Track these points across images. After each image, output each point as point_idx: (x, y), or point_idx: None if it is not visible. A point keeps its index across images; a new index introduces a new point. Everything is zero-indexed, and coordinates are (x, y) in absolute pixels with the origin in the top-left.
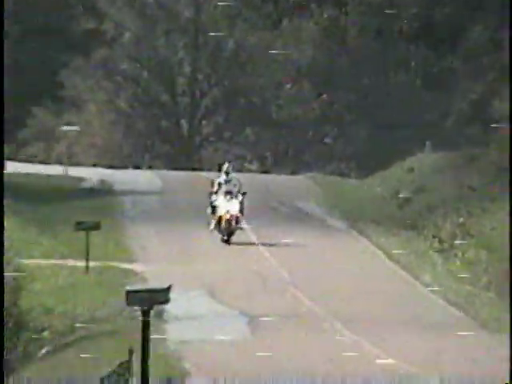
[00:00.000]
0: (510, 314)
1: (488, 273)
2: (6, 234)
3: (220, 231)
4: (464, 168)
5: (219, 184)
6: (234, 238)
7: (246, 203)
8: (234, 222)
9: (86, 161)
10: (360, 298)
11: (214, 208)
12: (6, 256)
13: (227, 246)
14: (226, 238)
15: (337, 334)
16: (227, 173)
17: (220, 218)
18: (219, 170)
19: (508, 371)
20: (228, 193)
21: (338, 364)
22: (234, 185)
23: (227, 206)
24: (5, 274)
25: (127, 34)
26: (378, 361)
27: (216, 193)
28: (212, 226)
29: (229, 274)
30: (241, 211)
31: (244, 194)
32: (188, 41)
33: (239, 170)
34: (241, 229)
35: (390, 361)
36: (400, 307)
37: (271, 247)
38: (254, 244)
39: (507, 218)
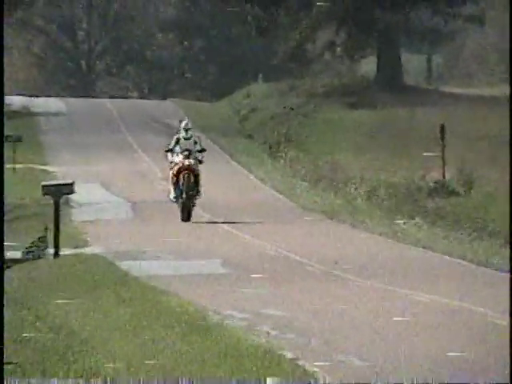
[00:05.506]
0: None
1: (304, 168)
2: None
3: (179, 197)
4: (286, 93)
5: (177, 140)
6: (119, 145)
7: (128, 119)
8: (192, 177)
9: (11, 91)
10: (215, 187)
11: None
12: None
13: (119, 152)
14: (185, 210)
15: (197, 215)
16: (186, 130)
17: (178, 170)
18: (179, 122)
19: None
20: (186, 150)
21: (196, 233)
22: (195, 142)
23: (185, 163)
24: None
25: None
26: (233, 230)
27: (172, 150)
28: (172, 194)
29: (117, 173)
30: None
31: (203, 150)
32: (84, 3)
33: (124, 97)
34: (200, 196)
35: (243, 234)
36: (242, 195)
37: (147, 151)
38: (135, 149)
39: (317, 129)
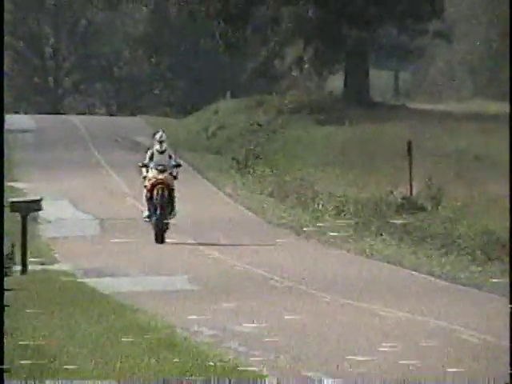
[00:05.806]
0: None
1: (271, 184)
2: None
3: (153, 214)
4: (254, 110)
5: (152, 154)
6: (88, 161)
7: (96, 136)
8: (166, 192)
9: None
10: (183, 203)
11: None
12: None
13: (87, 168)
14: (159, 230)
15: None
16: (161, 142)
17: (152, 185)
18: (153, 135)
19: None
20: (160, 165)
21: (163, 249)
22: (169, 156)
23: (159, 177)
24: None
25: (8, 15)
26: (200, 247)
27: (146, 165)
28: (145, 213)
29: (85, 190)
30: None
31: (178, 165)
32: (52, 19)
33: (92, 114)
34: (174, 215)
35: (210, 250)
36: (209, 211)
37: (115, 168)
38: (103, 166)
39: (285, 146)
